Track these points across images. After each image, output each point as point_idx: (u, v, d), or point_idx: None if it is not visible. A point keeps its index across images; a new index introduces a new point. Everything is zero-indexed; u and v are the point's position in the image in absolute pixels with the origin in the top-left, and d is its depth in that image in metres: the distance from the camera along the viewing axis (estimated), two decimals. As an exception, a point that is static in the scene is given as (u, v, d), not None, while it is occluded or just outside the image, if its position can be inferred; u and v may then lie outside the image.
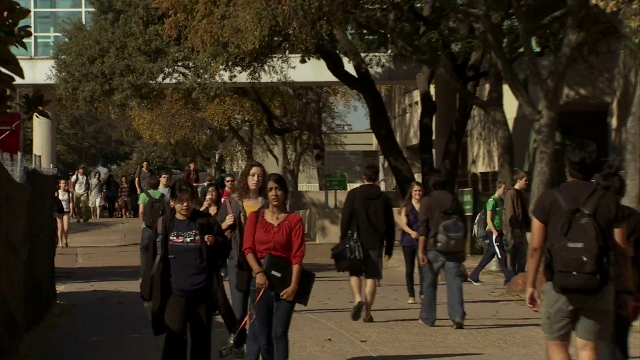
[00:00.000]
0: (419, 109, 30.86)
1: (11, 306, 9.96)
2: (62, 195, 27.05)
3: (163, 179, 20.43)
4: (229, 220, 9.73)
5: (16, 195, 10.45)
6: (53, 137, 35.96)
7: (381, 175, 42.97)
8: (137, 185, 32.52)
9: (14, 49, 6.82)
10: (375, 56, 29.07)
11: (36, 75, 30.75)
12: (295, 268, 8.61)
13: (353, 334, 11.98)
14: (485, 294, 16.81)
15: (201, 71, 28.27)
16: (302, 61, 27.58)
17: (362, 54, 27.84)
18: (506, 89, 22.83)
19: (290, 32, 21.96)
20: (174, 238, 8.39)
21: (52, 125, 35.01)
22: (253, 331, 8.99)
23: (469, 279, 18.63)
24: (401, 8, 23.80)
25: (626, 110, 23.28)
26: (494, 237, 18.19)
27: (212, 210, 13.66)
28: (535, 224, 7.30)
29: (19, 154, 11.64)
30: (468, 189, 26.27)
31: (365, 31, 27.94)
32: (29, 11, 7.00)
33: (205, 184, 24.73)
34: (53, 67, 29.56)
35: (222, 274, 9.56)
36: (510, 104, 26.84)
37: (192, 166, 35.94)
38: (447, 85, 28.75)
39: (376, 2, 23.16)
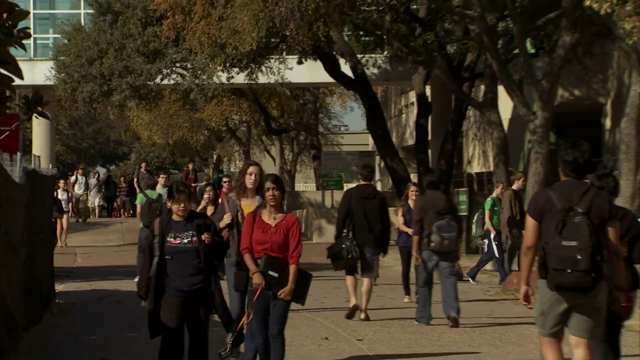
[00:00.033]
0: (414, 110, 31.01)
1: (11, 305, 9.95)
2: (61, 195, 27.16)
3: (161, 179, 20.49)
4: (226, 219, 9.75)
5: (15, 195, 10.44)
6: (52, 138, 36.03)
7: (377, 176, 43.04)
8: (136, 186, 32.62)
9: (13, 50, 6.85)
10: (372, 57, 29.11)
11: (35, 76, 30.82)
12: (292, 268, 8.60)
13: (350, 332, 12.01)
14: (480, 293, 16.85)
15: (199, 72, 28.36)
16: (299, 62, 27.69)
17: (359, 55, 27.90)
18: (501, 90, 22.91)
19: (288, 33, 22.05)
20: (171, 239, 8.38)
21: (51, 126, 35.08)
22: (251, 330, 9.00)
23: (467, 277, 18.73)
24: (397, 10, 23.91)
25: (620, 111, 23.35)
26: (492, 236, 18.24)
27: (210, 209, 13.74)
28: (530, 222, 7.36)
29: (19, 154, 11.65)
30: (464, 189, 26.37)
31: (361, 32, 28.04)
32: (28, 13, 7.04)
33: (203, 183, 24.83)
34: (52, 68, 29.65)
35: (220, 273, 9.68)
36: (505, 105, 26.95)
37: (190, 166, 35.99)
38: (443, 86, 28.76)
39: (372, 3, 23.21)
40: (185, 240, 8.37)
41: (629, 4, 15.20)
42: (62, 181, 28.79)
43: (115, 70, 28.15)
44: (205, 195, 14.98)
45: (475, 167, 35.78)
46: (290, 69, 28.57)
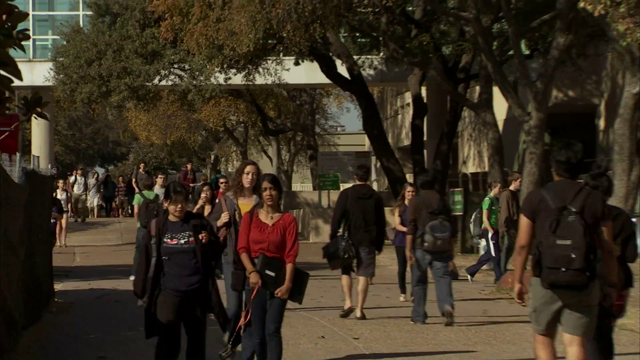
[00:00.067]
0: (410, 111, 31.06)
1: (10, 305, 9.95)
2: (60, 195, 27.30)
3: (159, 180, 20.57)
4: (224, 217, 9.77)
5: (15, 195, 10.44)
6: (51, 138, 36.05)
7: (373, 176, 43.17)
8: (134, 186, 32.75)
9: (12, 52, 6.84)
10: (368, 58, 29.17)
11: (34, 77, 30.89)
12: (288, 267, 8.62)
13: (346, 331, 12.05)
14: (475, 292, 16.91)
15: (197, 73, 28.45)
16: (296, 63, 27.75)
17: (355, 57, 27.95)
18: (496, 91, 22.99)
19: (284, 35, 22.12)
20: (168, 240, 8.38)
21: (50, 127, 35.13)
22: (249, 328, 9.00)
23: (466, 273, 18.85)
24: (393, 11, 23.98)
25: (613, 111, 23.43)
26: (490, 235, 18.30)
27: (207, 209, 13.83)
28: (523, 221, 7.41)
29: (18, 154, 11.64)
30: (459, 189, 26.47)
31: (357, 34, 28.08)
32: (28, 14, 7.00)
33: (200, 183, 24.94)
34: (51, 69, 29.72)
35: (217, 272, 9.71)
36: (500, 106, 27.07)
37: (189, 166, 36.03)
38: (438, 87, 28.80)
39: (369, 5, 23.22)
40: (182, 241, 8.37)
41: (622, 6, 15.30)
42: (61, 181, 28.94)
43: (114, 71, 28.24)
44: (203, 195, 15.06)
45: (471, 168, 35.86)
46: (287, 70, 28.63)
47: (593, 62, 26.90)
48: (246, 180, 9.77)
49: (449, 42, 26.72)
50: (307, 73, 30.79)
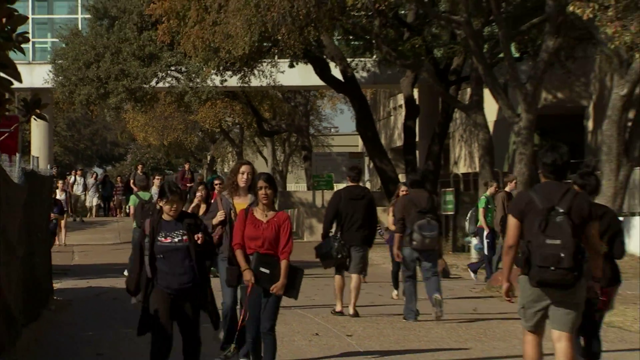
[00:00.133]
0: (403, 112, 31.26)
1: (10, 303, 9.94)
2: (59, 195, 27.51)
3: (156, 180, 20.67)
4: (219, 216, 9.84)
5: (14, 195, 10.44)
6: (50, 139, 36.11)
7: (366, 176, 43.39)
8: (132, 186, 32.97)
9: (12, 54, 6.93)
10: (361, 61, 29.21)
11: (34, 79, 31.06)
12: (282, 263, 8.64)
13: (339, 328, 12.08)
14: (466, 290, 17.00)
15: (193, 75, 28.61)
16: (291, 66, 27.88)
17: (348, 59, 28.00)
18: (487, 92, 23.13)
19: (279, 38, 22.24)
20: (162, 239, 8.33)
21: (49, 128, 35.21)
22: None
23: (469, 270, 19.05)
24: (386, 15, 24.10)
25: (602, 113, 23.63)
26: (484, 234, 18.40)
27: (202, 208, 14.01)
28: (511, 221, 7.47)
29: (17, 155, 11.67)
30: (450, 189, 26.69)
31: (351, 37, 28.13)
32: (27, 18, 7.08)
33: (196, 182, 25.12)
34: (50, 71, 29.85)
35: (214, 270, 9.90)
36: (491, 107, 27.27)
37: (187, 166, 36.10)
38: (430, 89, 28.83)
39: (362, 9, 23.32)
40: (176, 239, 8.33)
41: (610, 10, 15.49)
42: (60, 182, 29.16)
43: (112, 73, 28.40)
44: (198, 194, 15.25)
45: (462, 168, 36.05)
46: (282, 72, 28.71)
47: (582, 64, 27.06)
48: (241, 179, 9.80)
49: (441, 45, 26.86)
50: (302, 75, 30.95)
